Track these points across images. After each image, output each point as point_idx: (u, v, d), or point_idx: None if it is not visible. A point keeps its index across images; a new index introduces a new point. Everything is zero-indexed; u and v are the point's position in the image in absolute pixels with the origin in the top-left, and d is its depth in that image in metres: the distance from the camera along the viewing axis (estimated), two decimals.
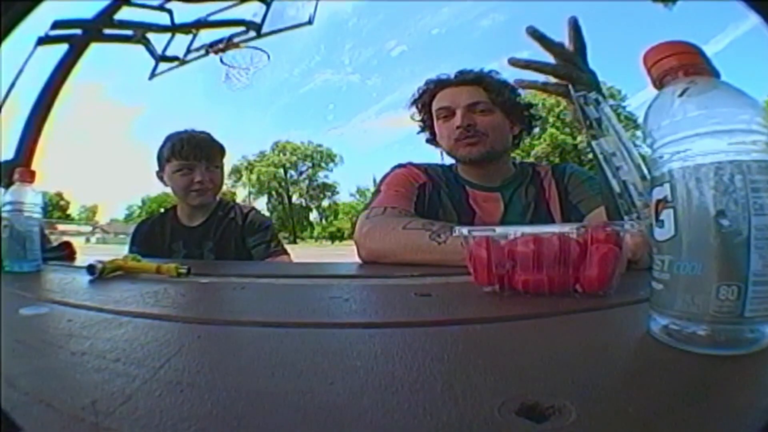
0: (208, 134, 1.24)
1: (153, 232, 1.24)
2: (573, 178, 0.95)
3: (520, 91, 0.97)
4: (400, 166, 1.00)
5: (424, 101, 0.99)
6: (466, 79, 0.95)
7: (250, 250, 1.19)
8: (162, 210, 1.34)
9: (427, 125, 1.02)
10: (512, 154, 1.05)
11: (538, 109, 1.11)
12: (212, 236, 1.19)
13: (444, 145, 0.97)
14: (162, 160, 1.19)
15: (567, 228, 0.43)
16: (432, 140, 1.02)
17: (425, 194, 0.95)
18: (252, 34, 2.51)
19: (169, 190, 1.22)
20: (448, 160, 1.03)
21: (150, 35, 2.29)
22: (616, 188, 0.45)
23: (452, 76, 0.97)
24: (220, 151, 1.23)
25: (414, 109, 1.03)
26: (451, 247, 0.69)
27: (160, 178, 1.22)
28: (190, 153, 1.16)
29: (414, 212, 0.89)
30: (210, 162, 1.18)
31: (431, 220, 0.81)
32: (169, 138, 1.19)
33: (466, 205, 0.96)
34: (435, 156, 1.02)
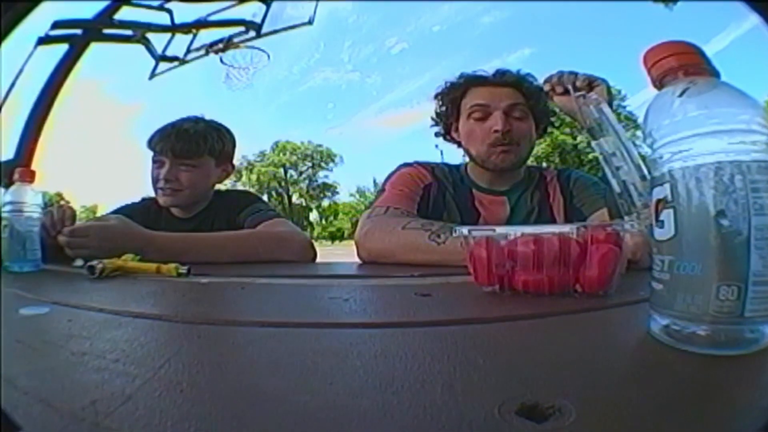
0: (205, 125, 1.07)
1: (145, 219, 1.07)
2: (578, 183, 0.95)
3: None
4: (406, 165, 0.98)
5: (454, 96, 0.94)
6: (506, 80, 0.91)
7: (242, 225, 1.05)
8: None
9: (445, 120, 0.97)
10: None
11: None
12: (205, 228, 1.06)
13: (473, 148, 0.92)
14: None
15: (567, 228, 0.43)
16: (444, 135, 0.98)
17: (430, 195, 0.93)
18: (252, 34, 2.52)
19: None
20: (451, 159, 1.02)
21: (150, 35, 2.29)
22: (616, 188, 0.45)
23: (491, 74, 0.93)
24: (203, 147, 1.04)
25: (437, 102, 0.98)
26: (450, 248, 0.69)
27: None
28: (157, 144, 1.02)
29: (417, 212, 0.88)
30: (179, 158, 1.01)
31: (432, 220, 0.80)
32: None
33: (471, 207, 0.95)
34: (436, 155, 1.01)
